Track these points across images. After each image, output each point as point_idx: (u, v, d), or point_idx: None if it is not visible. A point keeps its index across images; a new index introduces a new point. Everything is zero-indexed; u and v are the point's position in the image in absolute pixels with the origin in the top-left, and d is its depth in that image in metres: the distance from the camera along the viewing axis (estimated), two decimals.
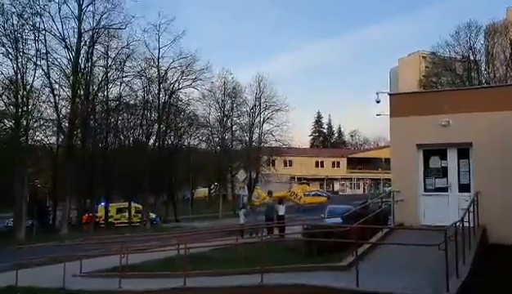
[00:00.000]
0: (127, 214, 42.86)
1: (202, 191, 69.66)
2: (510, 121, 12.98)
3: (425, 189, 14.13)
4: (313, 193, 55.85)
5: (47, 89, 35.93)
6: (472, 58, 50.09)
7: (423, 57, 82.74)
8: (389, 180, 24.17)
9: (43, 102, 36.09)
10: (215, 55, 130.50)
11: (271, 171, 58.79)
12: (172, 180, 50.09)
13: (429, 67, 63.48)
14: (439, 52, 53.66)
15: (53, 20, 35.62)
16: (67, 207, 36.68)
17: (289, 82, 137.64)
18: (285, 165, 73.23)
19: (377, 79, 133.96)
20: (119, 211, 43.88)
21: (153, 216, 42.77)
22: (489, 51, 50.25)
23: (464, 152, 13.73)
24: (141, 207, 43.05)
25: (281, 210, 22.83)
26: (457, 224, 8.91)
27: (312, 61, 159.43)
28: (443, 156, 13.99)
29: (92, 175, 39.85)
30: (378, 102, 35.87)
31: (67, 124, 37.27)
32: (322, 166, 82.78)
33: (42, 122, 36.11)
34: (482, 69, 51.26)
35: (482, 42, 50.81)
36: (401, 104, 14.94)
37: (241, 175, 35.87)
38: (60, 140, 39.18)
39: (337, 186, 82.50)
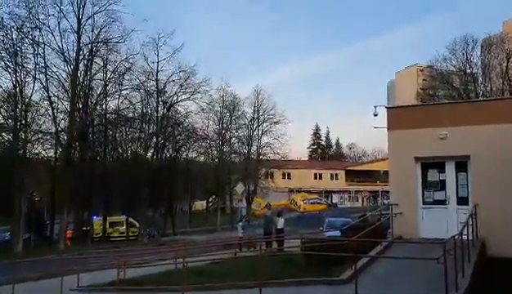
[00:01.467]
0: (120, 228, 42.51)
1: (200, 204, 69.42)
2: (508, 134, 13.04)
3: (424, 202, 14.13)
4: (312, 200, 55.66)
5: (46, 102, 36.02)
6: (469, 71, 50.47)
7: (420, 70, 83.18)
8: (388, 192, 24.18)
9: (42, 115, 36.20)
10: (214, 67, 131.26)
11: (269, 183, 58.70)
12: (171, 193, 49.96)
13: (427, 80, 63.81)
14: (436, 65, 54.02)
15: (52, 33, 35.82)
16: (65, 221, 36.50)
17: (287, 95, 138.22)
18: (284, 177, 73.03)
19: (375, 92, 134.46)
20: (112, 225, 43.40)
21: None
22: (486, 64, 50.63)
23: (462, 165, 13.76)
24: (134, 221, 42.82)
25: (280, 223, 22.70)
26: (456, 237, 8.91)
27: (310, 74, 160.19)
28: (441, 169, 14.01)
29: (90, 188, 39.73)
30: (375, 115, 35.96)
31: (65, 137, 37.25)
32: (321, 178, 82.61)
33: (40, 135, 36.12)
34: (479, 81, 51.60)
35: (478, 56, 51.24)
36: (398, 117, 15.02)
37: (240, 187, 35.87)
38: (59, 153, 39.15)
39: (336, 199, 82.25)
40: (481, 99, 38.77)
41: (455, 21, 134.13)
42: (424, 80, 69.59)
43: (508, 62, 48.30)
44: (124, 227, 42.74)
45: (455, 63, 50.73)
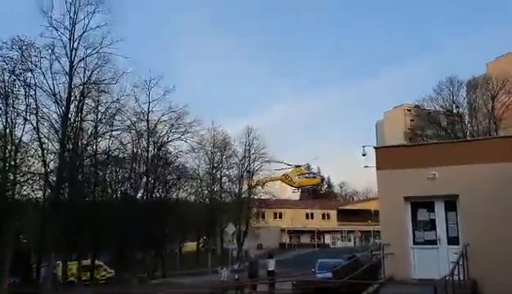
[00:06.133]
0: (91, 272, 41.40)
1: (190, 245, 68.49)
2: (496, 173, 13.20)
3: (415, 242, 14.08)
4: (308, 175, 55.03)
5: (36, 143, 35.83)
6: (455, 111, 51.52)
7: (408, 110, 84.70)
8: (379, 232, 24.14)
9: (31, 156, 35.85)
10: (205, 106, 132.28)
11: (260, 223, 58.24)
12: (161, 234, 49.25)
13: (414, 120, 64.89)
14: (423, 106, 55.10)
15: (44, 75, 35.96)
16: (52, 264, 35.65)
17: (278, 134, 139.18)
18: (275, 217, 72.62)
19: (365, 130, 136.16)
20: (82, 269, 41.27)
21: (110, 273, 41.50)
22: (471, 104, 51.76)
23: (451, 204, 13.83)
24: (103, 264, 42.18)
25: (271, 265, 22.32)
26: (447, 277, 8.89)
27: (301, 113, 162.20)
28: (431, 208, 14.07)
29: (78, 230, 39.03)
30: (364, 155, 36.53)
31: (55, 178, 36.90)
32: (312, 218, 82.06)
33: (29, 176, 35.74)
34: (466, 121, 52.57)
35: (464, 96, 52.44)
36: (387, 157, 15.18)
37: (230, 228, 35.53)
38: (47, 194, 38.66)
39: (328, 239, 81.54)
40: (468, 138, 39.38)
41: (441, 62, 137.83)
42: (411, 120, 70.76)
43: (493, 103, 49.44)
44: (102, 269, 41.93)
45: (442, 103, 51.88)
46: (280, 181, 57.09)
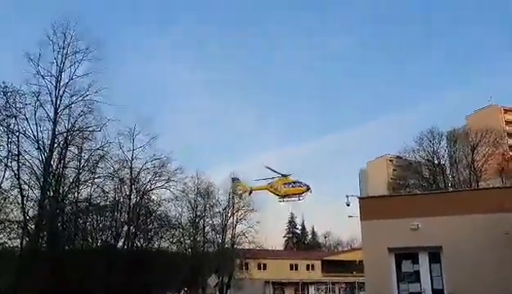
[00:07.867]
0: None
1: None
2: (478, 224, 13.32)
3: None
4: (292, 184, 54.05)
5: (16, 190, 35.03)
6: (436, 162, 52.23)
7: (390, 160, 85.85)
8: (364, 283, 23.80)
9: (10, 203, 34.98)
10: (189, 154, 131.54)
11: (244, 274, 57.04)
12: (141, 285, 47.75)
13: (396, 170, 65.63)
14: (405, 156, 55.85)
15: (28, 122, 35.55)
16: None
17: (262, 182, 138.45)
18: (259, 268, 71.31)
19: (349, 179, 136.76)
20: None
21: None
22: (452, 155, 52.68)
23: (435, 255, 13.84)
24: None
25: None
26: None
27: (284, 162, 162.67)
28: (415, 260, 14.04)
29: (56, 279, 37.61)
30: (348, 205, 36.57)
31: (33, 226, 35.88)
32: (297, 269, 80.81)
33: (6, 223, 34.72)
34: (447, 172, 53.26)
35: (444, 148, 53.37)
36: (370, 207, 15.28)
37: (212, 280, 34.66)
38: (25, 242, 37.46)
39: (312, 290, 79.99)
40: (450, 189, 39.82)
41: (422, 114, 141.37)
42: (394, 170, 71.56)
43: (473, 154, 50.37)
44: None
45: (423, 154, 52.64)
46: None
